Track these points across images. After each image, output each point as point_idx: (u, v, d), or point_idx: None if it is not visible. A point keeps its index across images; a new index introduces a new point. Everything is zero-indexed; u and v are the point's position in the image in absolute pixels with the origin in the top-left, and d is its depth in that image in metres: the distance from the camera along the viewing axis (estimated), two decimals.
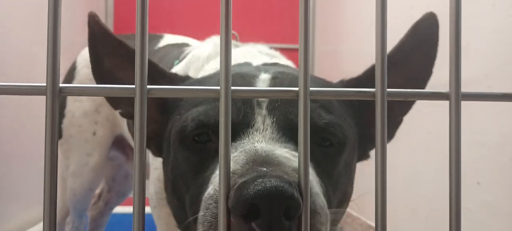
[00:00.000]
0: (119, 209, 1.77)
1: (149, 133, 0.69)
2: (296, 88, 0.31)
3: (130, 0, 2.69)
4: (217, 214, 0.43)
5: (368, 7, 1.87)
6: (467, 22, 1.11)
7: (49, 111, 0.28)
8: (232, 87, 0.31)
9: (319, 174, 0.56)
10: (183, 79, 0.69)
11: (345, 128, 0.61)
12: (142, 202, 0.29)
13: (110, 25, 2.80)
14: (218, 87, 0.30)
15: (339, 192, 0.62)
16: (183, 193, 0.60)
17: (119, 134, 1.34)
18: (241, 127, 0.54)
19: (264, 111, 0.56)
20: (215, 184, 0.49)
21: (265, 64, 0.77)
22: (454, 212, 0.31)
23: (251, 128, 0.54)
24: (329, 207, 0.55)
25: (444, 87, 0.33)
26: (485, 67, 1.08)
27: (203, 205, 0.48)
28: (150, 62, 0.64)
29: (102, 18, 2.78)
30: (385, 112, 0.31)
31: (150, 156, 0.84)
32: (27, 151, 1.69)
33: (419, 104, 1.37)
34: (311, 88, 0.31)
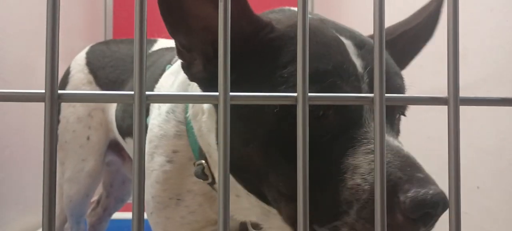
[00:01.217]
0: (117, 215, 1.76)
1: (205, 74, 0.61)
2: (295, 94, 0.31)
3: (129, 7, 2.70)
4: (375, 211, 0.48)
5: (367, 8, 1.87)
6: (465, 27, 1.12)
7: (48, 117, 0.28)
8: (231, 93, 0.30)
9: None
10: (271, 26, 0.60)
11: None
12: (141, 206, 0.29)
13: (109, 31, 2.81)
14: (217, 93, 0.30)
15: None
16: (280, 160, 0.56)
17: (113, 138, 1.34)
18: (356, 113, 0.54)
19: (366, 87, 0.56)
20: (363, 175, 0.50)
21: (290, 9, 0.69)
22: (454, 217, 0.31)
23: (363, 110, 0.54)
24: None
25: (443, 93, 0.33)
26: (483, 72, 1.08)
27: (352, 195, 0.50)
28: (245, 4, 0.58)
29: (101, 24, 2.79)
30: (384, 117, 0.31)
31: (144, 159, 0.83)
32: (26, 157, 1.69)
33: (418, 110, 1.37)
34: (309, 94, 0.31)
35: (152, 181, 0.79)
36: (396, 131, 0.59)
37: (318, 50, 0.55)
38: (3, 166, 1.56)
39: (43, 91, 0.28)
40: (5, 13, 1.59)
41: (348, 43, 0.58)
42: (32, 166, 1.69)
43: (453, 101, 0.31)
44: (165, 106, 0.80)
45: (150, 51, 1.24)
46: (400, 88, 0.59)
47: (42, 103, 0.29)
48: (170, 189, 0.77)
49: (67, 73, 1.39)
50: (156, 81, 0.94)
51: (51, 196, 0.28)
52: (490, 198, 1.05)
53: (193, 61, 0.63)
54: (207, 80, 0.63)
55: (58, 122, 1.33)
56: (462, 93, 0.32)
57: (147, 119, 0.88)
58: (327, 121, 0.54)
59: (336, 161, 0.53)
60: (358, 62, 0.56)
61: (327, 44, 0.57)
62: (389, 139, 0.53)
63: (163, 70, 0.97)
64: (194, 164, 0.74)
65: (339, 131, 0.54)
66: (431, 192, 0.47)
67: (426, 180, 0.49)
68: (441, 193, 0.47)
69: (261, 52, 0.59)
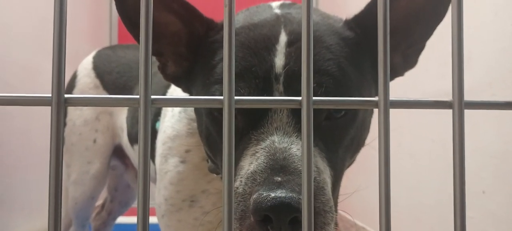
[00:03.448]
0: (122, 220, 1.77)
1: (178, 71, 0.70)
2: (299, 98, 0.31)
3: None
4: (245, 212, 0.51)
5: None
6: (470, 30, 1.12)
7: (54, 121, 0.28)
8: (236, 97, 0.31)
9: (329, 156, 0.58)
10: (219, 28, 0.66)
11: (361, 92, 0.60)
12: (146, 210, 0.29)
13: (114, 36, 2.82)
14: (222, 97, 0.30)
15: (353, 152, 0.65)
16: (214, 152, 0.65)
17: (119, 143, 1.35)
18: (261, 110, 0.56)
19: (281, 88, 0.57)
20: (241, 177, 0.53)
21: (283, 5, 0.71)
22: (459, 221, 0.31)
23: (270, 110, 0.56)
24: (336, 181, 0.59)
25: (447, 96, 0.33)
26: (488, 75, 1.08)
27: (233, 197, 0.52)
28: (188, 5, 0.64)
29: (107, 28, 2.81)
30: (389, 121, 0.31)
31: (157, 162, 0.83)
32: (31, 161, 1.70)
33: (423, 113, 1.37)
34: (314, 98, 0.31)
35: (166, 182, 0.80)
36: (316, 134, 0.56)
37: (238, 52, 0.59)
38: (9, 171, 1.57)
39: (50, 95, 0.29)
40: (9, 17, 1.61)
41: (282, 40, 0.59)
42: (38, 170, 1.70)
43: (458, 105, 0.31)
44: (177, 107, 0.82)
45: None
46: (315, 89, 0.55)
47: (48, 108, 0.29)
48: (184, 190, 0.78)
49: (74, 77, 1.40)
50: (168, 86, 0.95)
51: (57, 200, 0.28)
52: (496, 202, 1.05)
53: (167, 63, 0.71)
54: (180, 78, 0.71)
55: (65, 124, 1.34)
56: (467, 97, 0.32)
57: (157, 124, 0.88)
58: (236, 121, 0.57)
59: (235, 162, 0.56)
60: (279, 62, 0.57)
61: (251, 44, 0.59)
62: (275, 140, 0.54)
63: None
64: (207, 160, 0.75)
65: (243, 131, 0.58)
66: (272, 195, 0.47)
67: (279, 184, 0.49)
68: (284, 198, 0.46)
69: (208, 52, 0.64)
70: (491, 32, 1.08)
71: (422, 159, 1.41)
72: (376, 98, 0.32)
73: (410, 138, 1.47)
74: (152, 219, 0.66)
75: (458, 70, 0.32)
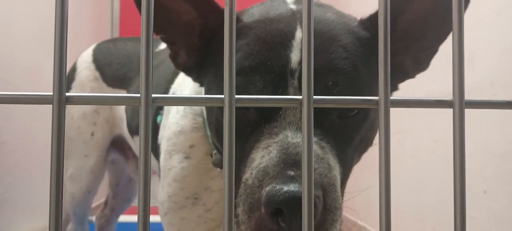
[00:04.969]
0: (123, 218, 1.77)
1: (190, 61, 0.70)
2: (300, 97, 0.31)
3: (135, 12, 2.71)
4: (254, 204, 0.51)
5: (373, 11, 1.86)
6: (472, 30, 1.11)
7: (56, 120, 0.28)
8: (236, 96, 0.31)
9: (339, 153, 0.58)
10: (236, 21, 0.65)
11: (373, 92, 0.60)
12: (146, 208, 0.29)
13: (115, 33, 2.83)
14: (222, 96, 0.30)
15: (361, 151, 0.65)
16: (223, 143, 0.65)
17: (118, 135, 1.34)
18: (273, 108, 0.56)
19: (295, 83, 0.57)
20: (252, 169, 0.54)
21: (297, 0, 0.70)
22: (459, 221, 0.31)
23: (284, 106, 0.56)
24: (344, 179, 0.59)
25: (451, 96, 0.33)
26: (490, 75, 1.08)
27: (242, 188, 0.54)
28: None
29: (108, 28, 2.81)
30: (389, 120, 0.31)
31: (162, 158, 0.83)
32: (32, 161, 1.70)
33: (425, 113, 1.37)
34: (314, 97, 0.31)
35: (170, 179, 0.79)
36: (324, 130, 0.57)
37: (255, 46, 0.59)
38: (10, 170, 1.58)
39: (51, 93, 0.29)
40: (12, 19, 1.61)
41: (298, 36, 0.59)
42: (39, 170, 1.70)
43: (458, 104, 0.31)
44: None
45: (158, 49, 1.23)
46: (330, 87, 0.56)
47: (49, 109, 0.29)
48: (187, 187, 0.78)
49: (73, 70, 1.39)
50: (171, 81, 0.94)
51: (58, 200, 0.29)
52: (497, 202, 1.05)
53: (179, 51, 0.70)
54: (191, 68, 0.71)
55: None
56: (469, 97, 0.32)
57: (158, 117, 0.88)
58: (248, 113, 0.58)
59: (246, 154, 0.56)
60: (295, 58, 0.58)
61: (268, 39, 0.59)
62: (288, 134, 0.54)
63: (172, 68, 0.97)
64: (211, 155, 0.75)
65: (255, 124, 0.58)
66: (285, 189, 0.47)
67: (292, 178, 0.49)
68: (298, 192, 0.47)
69: (222, 44, 0.62)
70: (493, 33, 1.08)
71: (424, 159, 1.40)
72: (376, 98, 0.32)
73: (412, 138, 1.47)
74: (153, 218, 0.66)
75: (458, 70, 0.32)
